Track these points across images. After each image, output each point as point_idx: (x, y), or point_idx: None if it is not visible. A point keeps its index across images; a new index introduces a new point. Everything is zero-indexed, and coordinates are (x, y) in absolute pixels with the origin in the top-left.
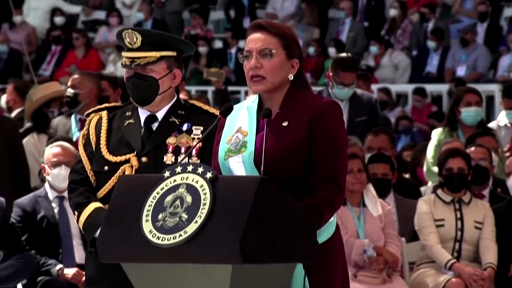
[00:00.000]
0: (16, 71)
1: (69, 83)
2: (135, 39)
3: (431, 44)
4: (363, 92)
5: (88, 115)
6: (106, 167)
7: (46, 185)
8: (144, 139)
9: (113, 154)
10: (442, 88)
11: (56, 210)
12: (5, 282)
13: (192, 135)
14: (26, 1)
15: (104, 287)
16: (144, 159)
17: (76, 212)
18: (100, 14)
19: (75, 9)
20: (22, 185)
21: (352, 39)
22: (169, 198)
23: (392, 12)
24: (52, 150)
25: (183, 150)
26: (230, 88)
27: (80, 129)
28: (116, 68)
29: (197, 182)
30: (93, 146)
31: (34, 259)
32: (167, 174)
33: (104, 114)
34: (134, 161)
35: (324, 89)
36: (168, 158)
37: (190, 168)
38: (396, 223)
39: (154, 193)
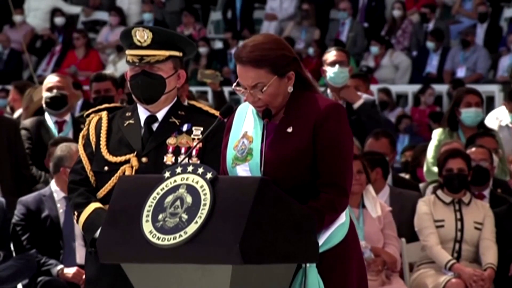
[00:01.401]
0: (16, 71)
1: (50, 85)
2: (145, 37)
3: (430, 44)
4: (361, 93)
5: (88, 115)
6: (106, 168)
7: (52, 185)
8: (144, 139)
9: (113, 154)
10: (442, 89)
11: (61, 211)
12: (5, 282)
13: (192, 136)
14: (26, 1)
15: (103, 287)
16: (144, 159)
17: (76, 212)
18: (100, 15)
19: (75, 9)
20: (23, 185)
21: (352, 39)
22: (169, 198)
23: (396, 13)
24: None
25: (183, 150)
26: (230, 89)
27: (59, 131)
28: (116, 68)
29: (197, 182)
30: (93, 146)
31: (34, 259)
32: (167, 174)
33: (104, 114)
34: (134, 162)
35: (324, 90)
36: (168, 159)
37: (190, 168)
38: (394, 224)
39: (154, 194)
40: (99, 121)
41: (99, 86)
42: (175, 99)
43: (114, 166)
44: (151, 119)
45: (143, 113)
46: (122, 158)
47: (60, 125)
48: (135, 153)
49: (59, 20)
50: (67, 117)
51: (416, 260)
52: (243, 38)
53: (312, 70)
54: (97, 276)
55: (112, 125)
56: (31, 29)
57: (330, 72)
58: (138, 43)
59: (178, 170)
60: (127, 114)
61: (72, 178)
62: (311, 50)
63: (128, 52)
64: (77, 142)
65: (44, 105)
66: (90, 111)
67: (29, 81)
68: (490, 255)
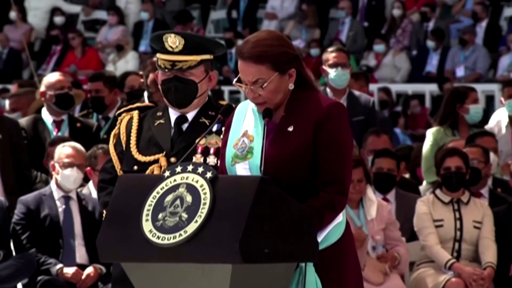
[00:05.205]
0: (16, 71)
1: (61, 84)
2: (177, 43)
3: (430, 44)
4: (361, 94)
5: (119, 114)
6: (135, 167)
7: (52, 184)
8: (174, 139)
9: (142, 154)
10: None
11: (60, 210)
12: (5, 281)
13: (221, 136)
14: (26, 0)
15: (130, 286)
16: (173, 159)
17: (104, 211)
18: (100, 14)
19: (75, 9)
20: (25, 185)
21: (352, 38)
22: (169, 197)
23: (396, 12)
24: (64, 150)
25: (212, 151)
26: (230, 88)
27: (58, 131)
28: (116, 68)
29: (197, 181)
30: (123, 145)
31: (34, 258)
32: (167, 173)
33: (135, 114)
34: (163, 161)
35: (323, 89)
36: (197, 159)
37: (190, 167)
38: (397, 224)
39: (154, 193)
40: (130, 120)
41: (91, 86)
42: (206, 99)
43: (143, 165)
44: (182, 119)
45: (173, 113)
46: (151, 158)
47: (58, 124)
48: (164, 153)
49: (59, 20)
50: (64, 116)
51: (416, 259)
52: (243, 38)
53: (312, 70)
54: (123, 275)
55: (143, 125)
56: (31, 28)
57: (331, 74)
58: (170, 49)
59: (178, 169)
60: (158, 114)
61: (102, 177)
62: (315, 51)
63: (159, 56)
64: (73, 141)
65: (51, 103)
66: (121, 110)
67: (30, 80)
68: (489, 254)
